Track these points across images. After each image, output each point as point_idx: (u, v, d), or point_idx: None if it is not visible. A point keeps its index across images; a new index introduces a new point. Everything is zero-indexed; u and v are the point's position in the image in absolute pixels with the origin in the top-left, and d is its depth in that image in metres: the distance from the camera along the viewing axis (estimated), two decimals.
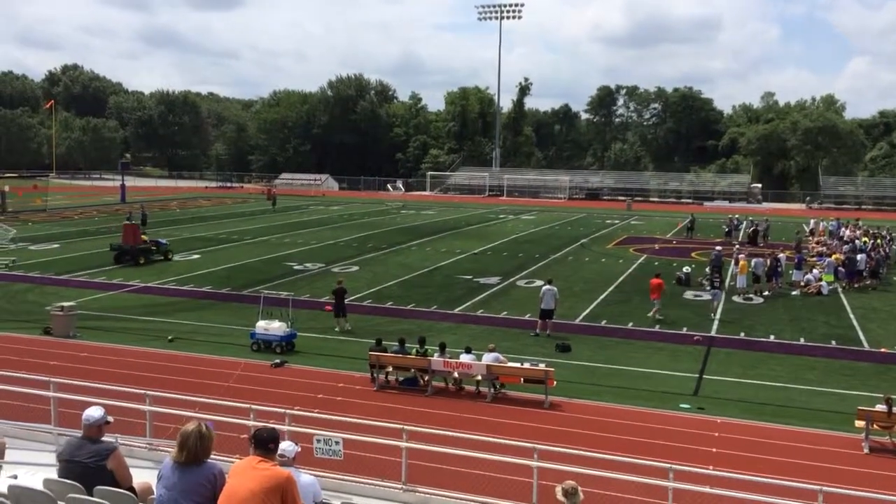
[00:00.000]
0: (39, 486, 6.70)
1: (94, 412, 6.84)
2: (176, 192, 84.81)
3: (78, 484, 6.48)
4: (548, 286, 22.61)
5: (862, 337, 22.69)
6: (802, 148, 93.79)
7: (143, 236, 35.16)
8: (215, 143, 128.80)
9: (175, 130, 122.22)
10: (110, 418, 6.98)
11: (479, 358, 17.07)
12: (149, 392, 11.57)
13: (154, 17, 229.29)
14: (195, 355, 19.56)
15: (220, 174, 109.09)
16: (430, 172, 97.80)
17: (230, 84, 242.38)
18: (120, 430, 10.10)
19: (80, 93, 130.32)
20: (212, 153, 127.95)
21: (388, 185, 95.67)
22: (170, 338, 21.04)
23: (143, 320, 23.36)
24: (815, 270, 30.70)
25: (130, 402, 11.50)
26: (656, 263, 36.02)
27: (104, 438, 6.92)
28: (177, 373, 17.90)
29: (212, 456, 5.95)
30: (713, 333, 22.79)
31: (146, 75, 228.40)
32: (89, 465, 6.57)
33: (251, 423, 10.47)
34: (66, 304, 21.87)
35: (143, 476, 7.18)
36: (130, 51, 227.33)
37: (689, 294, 28.53)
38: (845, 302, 27.74)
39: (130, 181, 79.33)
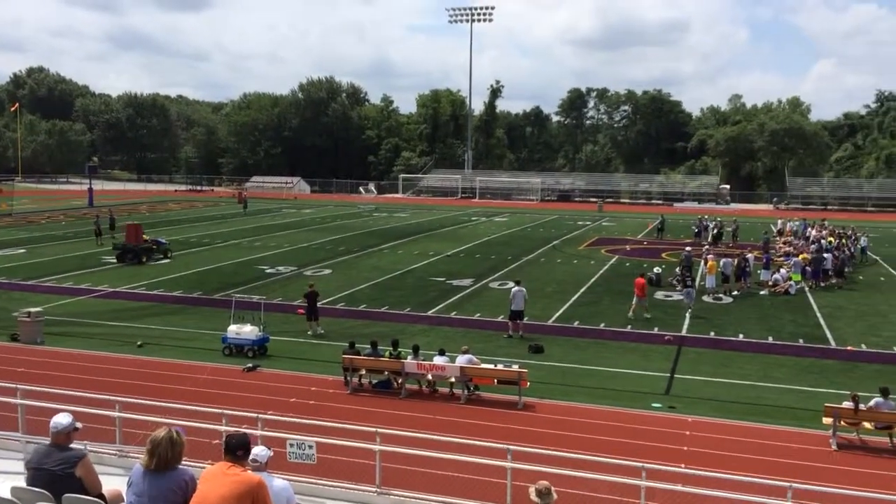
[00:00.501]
0: (7, 495, 6.59)
1: (62, 419, 6.74)
2: (145, 195, 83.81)
3: (46, 492, 6.39)
4: (517, 287, 22.75)
5: (829, 335, 23.06)
6: (769, 149, 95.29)
7: (143, 236, 36.05)
8: (185, 146, 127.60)
9: (143, 133, 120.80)
10: (79, 424, 6.89)
11: (452, 360, 17.07)
12: (118, 398, 11.42)
13: (122, 18, 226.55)
14: (165, 360, 19.34)
15: (190, 177, 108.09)
16: (402, 175, 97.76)
17: (200, 86, 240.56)
18: (89, 437, 9.96)
19: (45, 95, 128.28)
20: (181, 156, 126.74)
21: (361, 188, 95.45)
22: (139, 343, 20.78)
23: (111, 325, 23.06)
24: (782, 270, 31.16)
25: (99, 408, 11.33)
26: (627, 264, 36.36)
27: (73, 445, 6.83)
28: (147, 378, 17.68)
29: (183, 462, 5.89)
30: (684, 333, 23.03)
31: (114, 78, 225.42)
32: (58, 472, 6.48)
33: (223, 428, 10.37)
34: (33, 309, 21.51)
35: (113, 483, 7.10)
36: (98, 53, 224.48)
37: (659, 294, 28.79)
38: (812, 301, 28.19)
39: (98, 185, 78.30)
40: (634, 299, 25.08)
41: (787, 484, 9.07)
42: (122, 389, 15.08)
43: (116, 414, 11.11)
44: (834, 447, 14.22)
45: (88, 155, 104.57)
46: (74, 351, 20.07)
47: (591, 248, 42.68)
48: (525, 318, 22.59)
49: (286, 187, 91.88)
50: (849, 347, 21.55)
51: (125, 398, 11.85)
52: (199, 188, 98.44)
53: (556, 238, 47.32)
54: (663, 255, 39.20)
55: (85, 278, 30.68)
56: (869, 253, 38.90)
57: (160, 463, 5.66)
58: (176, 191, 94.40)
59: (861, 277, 33.31)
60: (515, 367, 16.95)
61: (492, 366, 17.12)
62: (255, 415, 10.94)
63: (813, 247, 34.26)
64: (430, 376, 17.04)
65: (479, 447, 11.00)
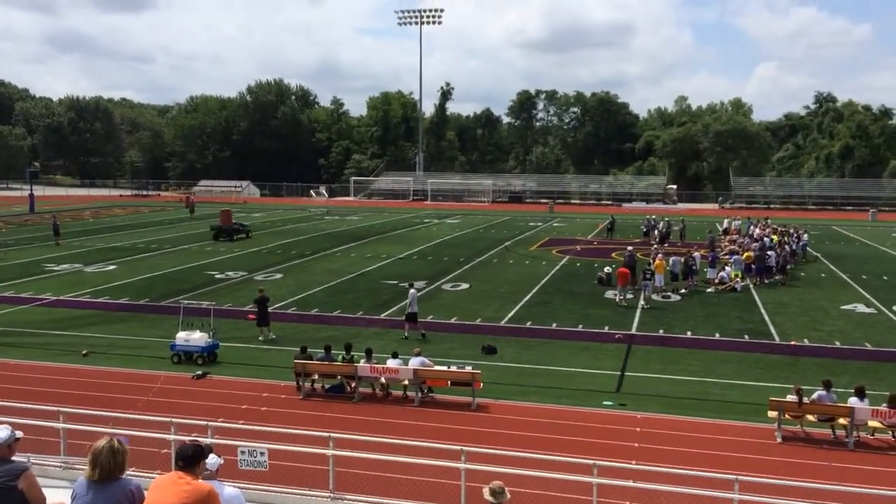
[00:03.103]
0: None
1: (1, 432, 6.55)
2: (89, 200, 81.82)
3: None
4: (413, 290, 23.01)
5: (773, 331, 23.66)
6: (714, 150, 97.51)
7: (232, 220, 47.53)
8: (129, 151, 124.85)
9: (86, 137, 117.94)
10: (19, 434, 6.70)
11: (405, 362, 17.07)
12: (62, 409, 11.14)
13: (60, 19, 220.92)
14: (112, 369, 18.92)
15: (136, 182, 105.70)
16: (353, 178, 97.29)
17: (144, 89, 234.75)
18: (32, 450, 9.71)
19: None
20: (126, 160, 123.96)
21: (312, 191, 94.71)
22: (84, 352, 20.28)
23: (55, 335, 22.45)
24: (728, 268, 31.87)
25: (43, 419, 11.05)
26: (578, 264, 36.78)
27: (15, 458, 6.63)
28: (92, 388, 17.27)
29: (130, 471, 5.78)
30: (633, 331, 23.39)
31: (54, 80, 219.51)
32: None
33: (172, 437, 10.20)
34: None
35: (59, 496, 6.92)
36: (36, 55, 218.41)
37: (610, 294, 29.20)
38: (756, 298, 28.89)
39: (39, 191, 76.23)
40: (618, 288, 27.54)
41: (734, 477, 9.30)
42: (66, 400, 14.72)
43: (60, 425, 10.85)
44: (779, 440, 14.59)
45: (29, 160, 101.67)
46: (14, 362, 19.49)
47: (543, 249, 43.06)
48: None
49: (235, 191, 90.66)
50: (792, 342, 22.14)
51: (69, 409, 11.57)
52: (144, 193, 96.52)
53: (508, 239, 47.63)
54: (613, 254, 39.75)
55: (27, 286, 29.83)
56: (810, 250, 40.05)
57: (103, 473, 5.54)
58: (121, 196, 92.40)
59: (803, 274, 34.26)
60: (469, 369, 17.02)
61: (445, 367, 17.16)
62: (204, 423, 10.79)
63: (755, 245, 35.08)
64: (383, 379, 17.00)
65: (433, 449, 11.02)
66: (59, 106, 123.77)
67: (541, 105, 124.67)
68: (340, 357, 17.73)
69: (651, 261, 29.89)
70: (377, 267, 35.58)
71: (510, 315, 25.50)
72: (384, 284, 30.86)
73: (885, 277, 33.43)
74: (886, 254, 42.12)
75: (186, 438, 8.83)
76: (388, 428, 14.65)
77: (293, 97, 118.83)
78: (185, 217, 61.16)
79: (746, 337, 22.80)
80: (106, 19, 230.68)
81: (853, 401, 14.54)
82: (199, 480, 5.82)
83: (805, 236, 40.48)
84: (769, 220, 47.55)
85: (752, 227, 44.49)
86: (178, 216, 62.72)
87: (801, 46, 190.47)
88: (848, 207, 78.61)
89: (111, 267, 34.98)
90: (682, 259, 30.68)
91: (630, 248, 33.18)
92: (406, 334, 22.36)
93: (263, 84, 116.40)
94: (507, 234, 50.65)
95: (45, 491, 6.64)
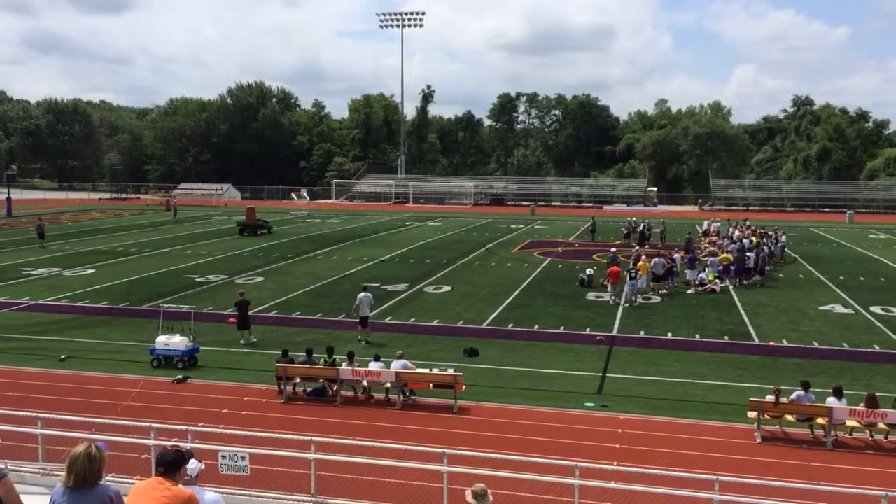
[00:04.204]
0: None
1: None
2: (67, 204, 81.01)
3: None
4: (364, 293, 22.81)
5: (752, 332, 23.86)
6: (693, 153, 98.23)
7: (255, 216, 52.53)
8: (109, 153, 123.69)
9: (65, 140, 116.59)
10: None
11: (387, 365, 17.04)
12: (40, 414, 11.03)
13: (38, 20, 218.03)
14: (91, 374, 18.73)
15: (115, 185, 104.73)
16: (335, 180, 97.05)
17: (123, 91, 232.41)
18: (10, 456, 9.61)
19: None
20: (105, 163, 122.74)
21: (293, 194, 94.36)
22: (62, 357, 20.07)
23: (32, 339, 22.20)
24: (707, 269, 32.11)
25: (20, 425, 10.93)
26: (560, 266, 36.91)
27: None
28: (71, 393, 17.09)
29: (110, 477, 5.73)
30: (615, 333, 23.50)
31: (31, 82, 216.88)
32: None
33: (151, 442, 10.13)
34: None
35: (37, 502, 6.85)
36: (13, 56, 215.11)
37: (591, 295, 29.33)
38: (736, 299, 29.13)
39: (17, 194, 75.34)
40: (609, 287, 28.36)
41: (714, 477, 9.37)
42: (44, 406, 14.56)
43: (39, 431, 10.74)
44: (758, 440, 14.71)
45: (6, 163, 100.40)
46: None
47: (525, 251, 43.17)
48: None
49: (216, 194, 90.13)
50: (771, 343, 22.35)
51: (48, 414, 11.44)
52: (123, 196, 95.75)
53: (489, 241, 47.70)
54: (594, 256, 39.94)
55: (4, 291, 29.47)
56: (788, 251, 40.45)
57: (78, 480, 5.49)
58: (100, 199, 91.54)
59: (781, 275, 34.59)
60: (451, 371, 17.03)
61: (427, 370, 17.15)
62: (184, 427, 10.72)
63: (733, 246, 35.35)
64: (365, 382, 16.97)
65: (415, 452, 11.01)
66: (36, 108, 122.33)
67: (522, 108, 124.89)
68: (322, 360, 17.67)
69: (633, 262, 30.05)
70: (359, 270, 35.51)
71: (492, 317, 25.54)
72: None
73: (861, 278, 33.83)
74: (863, 255, 42.63)
75: (167, 443, 8.77)
76: (370, 431, 14.62)
77: (274, 99, 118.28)
78: (165, 220, 60.70)
79: (726, 338, 22.99)
80: (85, 21, 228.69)
81: (831, 401, 14.70)
82: (180, 486, 5.78)
83: (783, 238, 40.88)
84: (748, 222, 47.97)
85: (731, 229, 44.86)
86: (159, 219, 62.26)
87: (778, 49, 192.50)
88: (825, 209, 79.47)
89: (90, 270, 34.66)
90: (663, 260, 30.85)
91: (613, 249, 33.47)
92: (360, 337, 22.17)
93: (244, 86, 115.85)
94: (489, 237, 50.73)
95: (23, 497, 6.57)
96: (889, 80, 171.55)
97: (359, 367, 17.07)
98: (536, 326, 24.20)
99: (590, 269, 32.60)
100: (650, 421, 15.66)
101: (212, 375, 18.74)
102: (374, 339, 22.11)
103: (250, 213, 53.28)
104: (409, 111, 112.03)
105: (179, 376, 18.37)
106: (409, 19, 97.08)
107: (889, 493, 9.25)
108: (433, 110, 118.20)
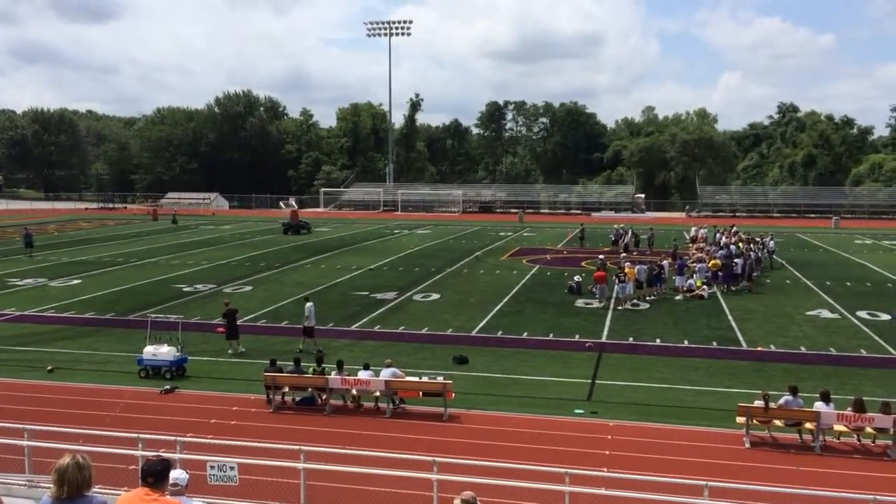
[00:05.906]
0: None
1: None
2: (54, 214, 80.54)
3: None
4: (309, 303, 22.58)
5: (740, 337, 23.96)
6: (681, 159, 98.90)
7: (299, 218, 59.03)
8: (95, 163, 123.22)
9: (51, 150, 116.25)
10: None
11: (377, 374, 17.00)
12: (27, 426, 10.93)
13: (22, 30, 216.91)
14: (78, 385, 18.60)
15: (101, 195, 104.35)
16: (323, 189, 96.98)
17: (110, 101, 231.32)
18: None
19: None
20: (92, 173, 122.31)
21: (282, 203, 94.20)
22: (49, 368, 19.91)
23: (18, 350, 22.02)
24: (695, 275, 32.24)
25: (7, 437, 10.83)
26: (548, 273, 36.98)
27: None
28: (58, 405, 16.96)
29: (97, 488, 5.69)
30: (604, 340, 23.54)
31: (17, 92, 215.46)
32: None
33: (139, 452, 10.06)
34: None
35: None
36: None
37: (580, 302, 29.39)
38: (724, 305, 29.25)
39: (3, 204, 74.99)
40: (597, 289, 29.35)
41: (704, 482, 9.40)
42: (31, 417, 14.44)
43: (25, 443, 10.65)
44: (747, 445, 14.76)
45: None
46: None
47: (513, 259, 43.22)
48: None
49: (204, 203, 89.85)
50: (759, 348, 22.44)
51: (34, 426, 11.35)
52: (110, 206, 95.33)
53: (478, 249, 47.74)
54: (583, 263, 40.04)
55: None
56: (775, 257, 40.68)
57: (70, 490, 5.43)
58: (87, 209, 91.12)
59: (769, 281, 34.78)
60: (440, 379, 16.99)
61: (416, 378, 17.12)
62: (173, 438, 10.65)
63: (721, 252, 35.51)
64: (354, 391, 16.92)
65: (405, 460, 10.99)
66: (22, 118, 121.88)
67: (510, 115, 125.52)
68: (311, 369, 17.62)
69: (620, 268, 30.16)
70: (347, 278, 35.45)
71: (481, 325, 25.54)
72: (354, 296, 30.74)
73: (848, 283, 34.05)
74: (849, 260, 42.94)
75: (154, 454, 8.71)
76: (359, 440, 14.57)
77: (262, 108, 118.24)
78: (152, 230, 60.41)
79: (714, 344, 23.06)
80: (70, 29, 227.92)
81: (819, 405, 14.77)
82: (167, 496, 5.75)
83: (771, 243, 41.10)
84: (735, 228, 48.21)
85: (718, 235, 45.07)
86: (147, 229, 61.98)
87: (764, 56, 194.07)
88: (811, 215, 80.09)
89: (77, 281, 34.44)
90: (647, 267, 30.96)
91: (602, 256, 33.69)
92: (300, 346, 21.77)
93: (232, 95, 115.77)
94: (478, 244, 50.77)
95: None
96: (874, 87, 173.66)
97: (348, 375, 17.02)
98: (526, 334, 24.22)
99: (578, 276, 32.67)
100: (639, 427, 15.68)
101: (200, 385, 18.64)
102: (364, 349, 22.04)
103: (293, 215, 60.85)
104: (397, 119, 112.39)
105: (167, 387, 18.25)
106: (397, 28, 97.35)
107: (877, 497, 9.31)
108: (421, 118, 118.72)
